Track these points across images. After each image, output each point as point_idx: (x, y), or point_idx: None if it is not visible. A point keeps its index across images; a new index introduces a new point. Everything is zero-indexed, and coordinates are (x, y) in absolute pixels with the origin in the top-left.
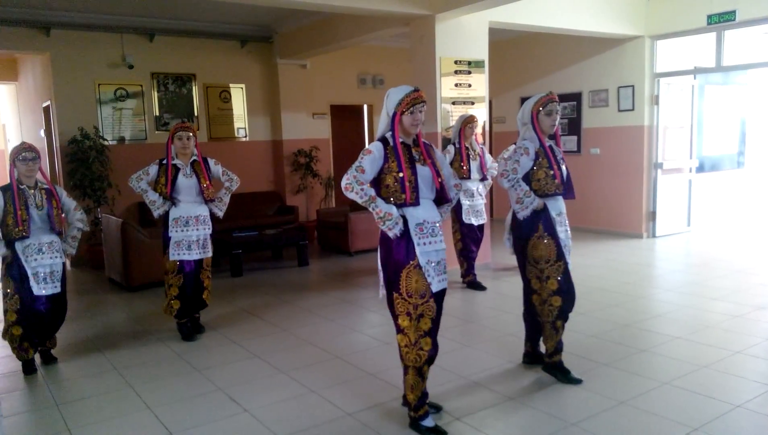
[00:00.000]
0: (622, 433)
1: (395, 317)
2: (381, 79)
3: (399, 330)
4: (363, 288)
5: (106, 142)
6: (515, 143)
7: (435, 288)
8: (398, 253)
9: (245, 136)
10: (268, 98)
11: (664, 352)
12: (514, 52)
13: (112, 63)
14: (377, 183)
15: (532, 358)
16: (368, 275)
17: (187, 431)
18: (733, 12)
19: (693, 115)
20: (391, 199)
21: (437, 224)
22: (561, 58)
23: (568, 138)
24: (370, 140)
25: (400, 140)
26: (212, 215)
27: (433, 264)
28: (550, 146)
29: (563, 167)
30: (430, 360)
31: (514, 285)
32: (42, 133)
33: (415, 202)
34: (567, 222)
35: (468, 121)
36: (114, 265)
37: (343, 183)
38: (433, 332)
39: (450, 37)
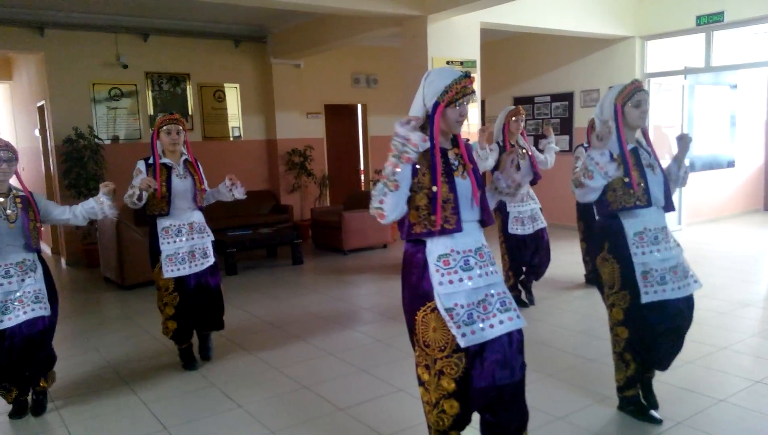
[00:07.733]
0: (608, 427)
1: (416, 365)
2: (375, 79)
3: (420, 382)
4: (357, 286)
5: (100, 142)
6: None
7: (465, 342)
8: (414, 287)
9: (239, 136)
10: (262, 98)
11: None
12: (505, 52)
13: (107, 62)
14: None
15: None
16: (362, 274)
17: (182, 426)
18: (722, 13)
19: (683, 115)
20: (423, 229)
21: (476, 253)
22: (553, 59)
23: (560, 137)
24: (365, 140)
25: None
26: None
27: (464, 307)
28: (633, 149)
29: (656, 173)
30: (459, 425)
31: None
32: (37, 132)
33: (456, 228)
34: (669, 237)
35: (513, 114)
36: (109, 263)
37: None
38: (460, 394)
39: (442, 37)
